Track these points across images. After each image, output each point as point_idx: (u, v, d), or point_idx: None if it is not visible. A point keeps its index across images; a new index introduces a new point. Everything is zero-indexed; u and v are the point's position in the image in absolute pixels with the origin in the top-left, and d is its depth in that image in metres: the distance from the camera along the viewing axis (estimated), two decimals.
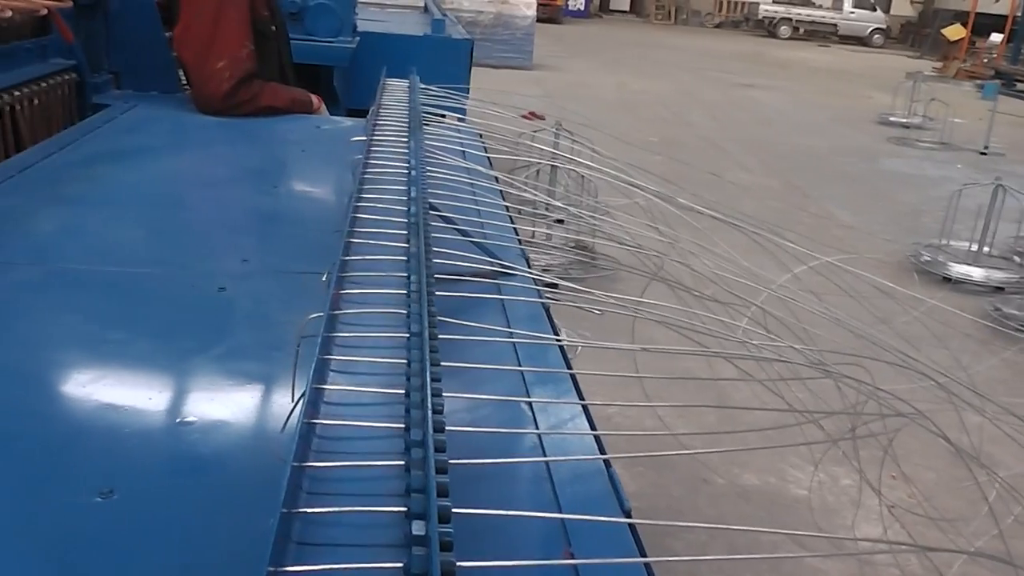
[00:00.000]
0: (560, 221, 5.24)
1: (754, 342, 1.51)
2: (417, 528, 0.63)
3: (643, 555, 0.98)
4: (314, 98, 3.00)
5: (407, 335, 0.97)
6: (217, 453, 1.05)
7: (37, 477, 0.99)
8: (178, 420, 1.10)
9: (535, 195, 2.32)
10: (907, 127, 12.28)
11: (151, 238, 1.85)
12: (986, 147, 11.09)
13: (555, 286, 1.63)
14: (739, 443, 4.01)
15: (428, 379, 0.84)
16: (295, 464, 0.71)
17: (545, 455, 1.05)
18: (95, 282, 1.55)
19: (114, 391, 1.18)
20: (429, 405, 0.79)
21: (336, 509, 0.74)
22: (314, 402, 0.83)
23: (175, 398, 1.17)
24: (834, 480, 3.77)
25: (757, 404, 1.42)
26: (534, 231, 4.39)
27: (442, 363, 0.91)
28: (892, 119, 12.86)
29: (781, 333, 1.68)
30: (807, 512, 3.54)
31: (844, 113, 13.98)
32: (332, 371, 0.94)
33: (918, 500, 3.38)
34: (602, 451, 1.11)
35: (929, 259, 6.31)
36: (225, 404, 1.17)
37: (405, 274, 1.15)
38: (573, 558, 0.91)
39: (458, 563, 0.60)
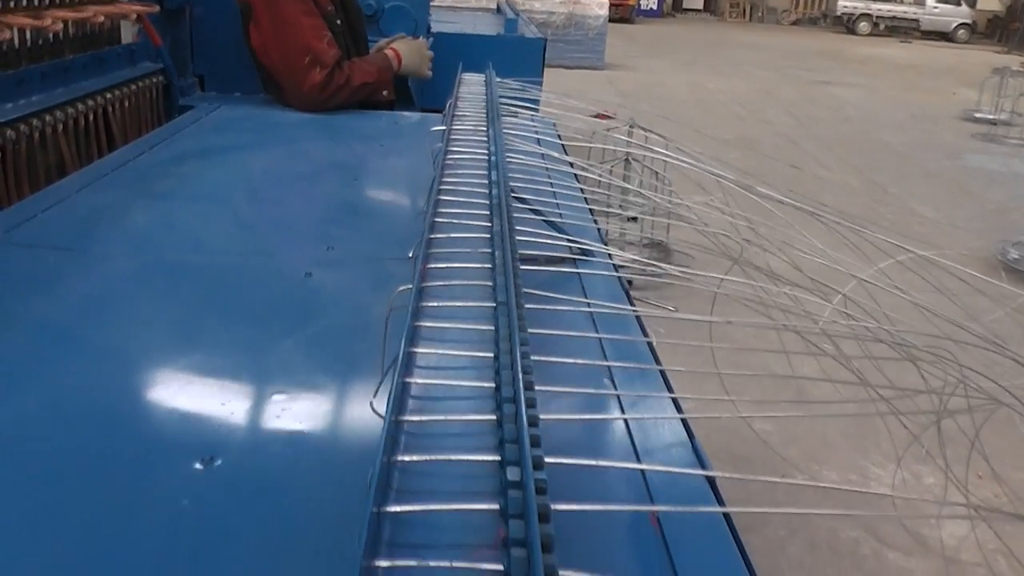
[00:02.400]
0: (633, 219, 5.23)
1: (834, 331, 1.49)
2: (512, 474, 0.65)
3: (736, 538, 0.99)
4: (389, 51, 3.06)
5: (494, 304, 0.99)
6: (312, 422, 1.09)
7: (143, 449, 1.04)
8: (273, 393, 1.14)
9: (608, 191, 2.32)
10: (994, 123, 11.90)
11: (238, 230, 1.92)
12: None
13: (630, 283, 1.64)
14: (818, 438, 3.96)
15: (517, 342, 0.86)
16: (392, 419, 0.74)
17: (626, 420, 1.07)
18: (188, 271, 1.61)
19: (211, 369, 1.23)
20: (519, 366, 0.81)
21: (433, 458, 0.76)
22: (407, 364, 0.85)
23: (269, 373, 1.22)
24: (917, 478, 3.68)
25: (837, 398, 1.40)
26: (608, 229, 4.39)
27: (529, 330, 0.93)
28: (978, 115, 12.49)
29: (865, 324, 1.65)
30: (890, 510, 3.47)
31: (927, 110, 13.62)
32: (423, 338, 0.96)
33: (1008, 499, 3.28)
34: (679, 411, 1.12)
35: (1017, 256, 6.11)
36: (317, 376, 1.21)
37: (489, 250, 1.18)
38: (659, 523, 0.93)
39: (552, 506, 0.61)
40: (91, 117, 2.52)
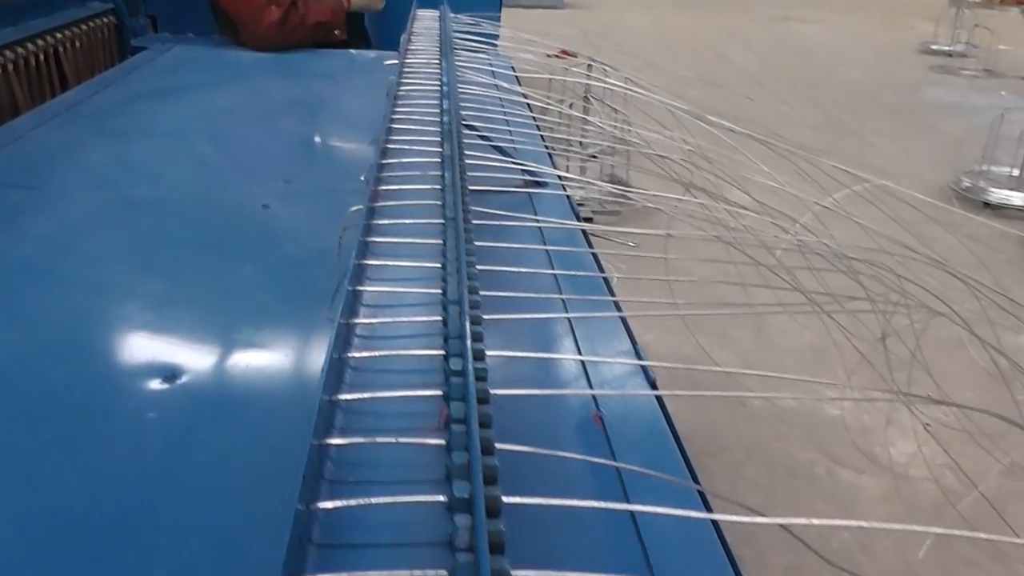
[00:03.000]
0: (593, 157, 5.26)
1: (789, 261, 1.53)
2: (455, 364, 0.69)
3: (671, 426, 1.05)
4: None
5: (443, 220, 1.04)
6: (271, 340, 1.13)
7: (110, 369, 1.09)
8: (233, 315, 1.19)
9: (568, 128, 2.35)
10: (950, 55, 11.98)
11: (196, 166, 1.93)
12: None
13: (590, 220, 1.67)
14: (776, 367, 4.06)
15: (463, 252, 0.90)
16: (343, 321, 0.78)
17: (580, 351, 1.12)
18: (147, 205, 1.63)
19: (172, 295, 1.27)
20: (464, 273, 0.85)
21: (381, 353, 0.81)
22: (358, 275, 0.90)
23: (229, 297, 1.26)
24: (870, 401, 3.81)
25: (794, 332, 1.45)
26: (568, 167, 4.41)
27: (476, 243, 0.97)
28: (934, 48, 12.56)
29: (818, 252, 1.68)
30: (842, 431, 3.59)
31: (885, 44, 13.66)
32: (373, 253, 1.00)
33: (956, 416, 3.40)
34: (632, 340, 1.18)
35: (969, 185, 6.23)
36: (275, 298, 1.26)
37: (439, 172, 1.21)
38: (602, 422, 0.98)
39: (492, 391, 0.66)
40: (42, 58, 2.50)
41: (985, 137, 6.38)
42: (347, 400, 0.74)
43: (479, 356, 0.70)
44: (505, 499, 0.55)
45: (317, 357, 1.04)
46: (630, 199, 1.69)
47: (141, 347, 1.14)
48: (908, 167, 7.02)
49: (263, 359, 1.11)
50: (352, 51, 3.09)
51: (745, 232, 1.80)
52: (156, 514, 0.80)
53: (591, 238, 1.61)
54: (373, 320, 0.90)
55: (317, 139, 2.17)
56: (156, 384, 1.02)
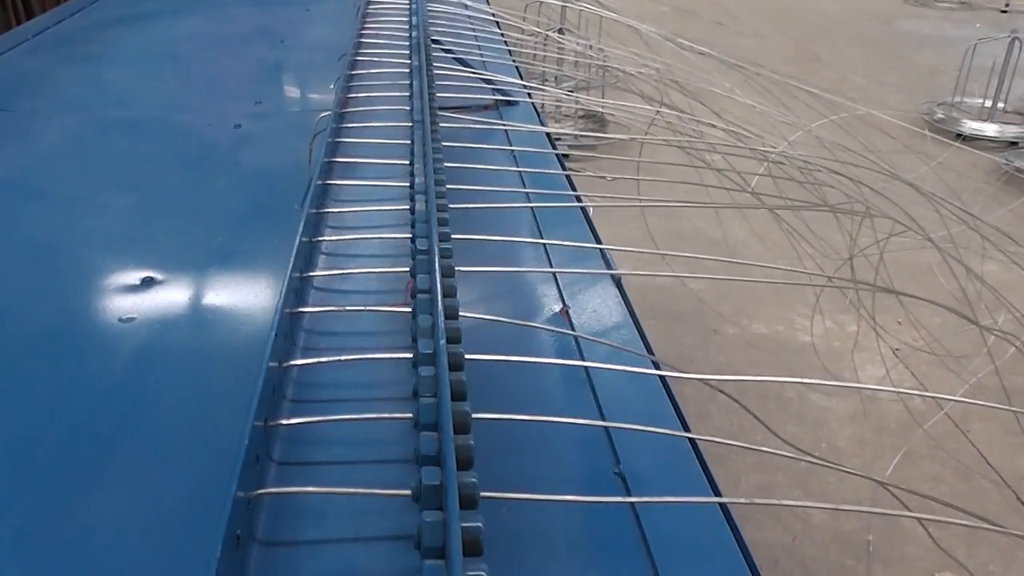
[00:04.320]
0: (569, 92, 5.23)
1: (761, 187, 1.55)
2: (421, 244, 0.72)
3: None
4: None
5: (410, 124, 1.06)
6: (244, 243, 1.16)
7: (90, 270, 1.11)
8: (207, 222, 1.21)
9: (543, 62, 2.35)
10: None
11: (168, 88, 1.94)
12: (1007, 5, 10.79)
13: (566, 156, 1.69)
14: (748, 294, 4.13)
15: (431, 150, 0.93)
16: (312, 210, 0.80)
17: (551, 262, 1.14)
18: (120, 126, 1.64)
19: (149, 206, 1.29)
20: (431, 166, 0.88)
21: (349, 237, 0.83)
22: (326, 171, 0.92)
23: (203, 207, 1.28)
24: (841, 327, 3.88)
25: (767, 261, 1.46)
26: (543, 103, 4.40)
27: (444, 145, 1.00)
28: None
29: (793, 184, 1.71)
30: (813, 356, 3.66)
31: None
32: (342, 153, 1.02)
33: (925, 341, 3.48)
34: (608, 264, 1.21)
35: (942, 116, 6.27)
36: (247, 207, 1.27)
37: (407, 82, 1.23)
38: (568, 316, 1.02)
39: (456, 267, 0.69)
40: None
41: (958, 68, 6.40)
42: (316, 276, 0.76)
43: (444, 238, 0.73)
44: (468, 356, 0.59)
45: (284, 256, 1.07)
46: (605, 133, 1.71)
47: (119, 254, 1.17)
48: (881, 98, 7.04)
49: (238, 261, 1.13)
50: None
51: (717, 151, 1.82)
52: (132, 413, 0.82)
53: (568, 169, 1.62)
54: (342, 210, 0.92)
55: (287, 63, 2.16)
56: (133, 288, 1.05)
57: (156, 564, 0.61)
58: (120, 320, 0.99)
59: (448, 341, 0.58)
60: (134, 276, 1.07)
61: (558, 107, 5.53)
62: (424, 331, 0.59)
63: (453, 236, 0.76)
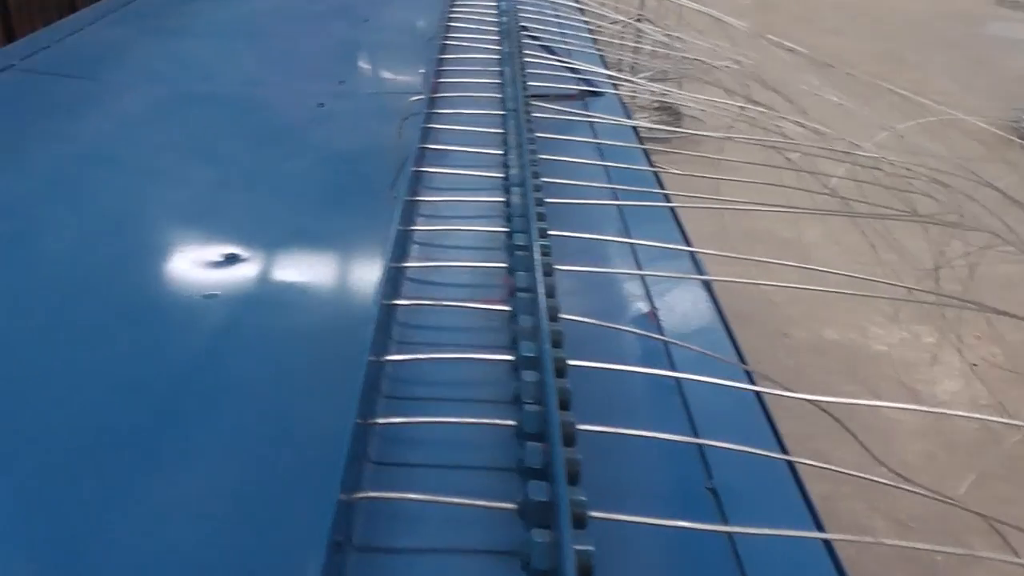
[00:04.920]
0: (630, 81, 5.14)
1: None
2: (520, 240, 0.69)
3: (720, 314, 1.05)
4: None
5: (503, 112, 1.03)
6: (327, 223, 1.14)
7: (171, 245, 1.10)
8: (290, 201, 1.19)
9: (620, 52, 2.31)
10: None
11: (251, 64, 1.93)
12: None
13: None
14: (820, 297, 4.03)
15: (525, 140, 0.90)
16: (407, 198, 0.78)
17: (637, 261, 1.11)
18: (203, 100, 1.64)
19: (231, 182, 1.28)
20: (527, 155, 0.85)
21: (444, 228, 0.81)
22: (420, 158, 0.89)
23: (286, 185, 1.26)
24: (916, 337, 3.77)
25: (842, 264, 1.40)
26: (619, 94, 4.33)
27: (538, 136, 0.96)
28: None
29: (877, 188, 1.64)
30: (887, 367, 3.56)
31: None
32: (433, 139, 1.00)
33: (1006, 357, 3.36)
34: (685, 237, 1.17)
35: None
36: (332, 187, 1.25)
37: (499, 68, 1.20)
38: (657, 318, 0.98)
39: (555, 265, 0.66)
40: None
41: None
42: (411, 267, 0.74)
43: (543, 234, 0.70)
44: (569, 361, 0.56)
45: (371, 241, 1.05)
46: (680, 127, 1.66)
47: (201, 229, 1.16)
48: (967, 103, 6.82)
49: (321, 243, 1.11)
50: None
51: (800, 151, 1.76)
52: (212, 393, 0.81)
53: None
54: (435, 199, 0.90)
55: (370, 43, 2.15)
56: (216, 264, 1.04)
57: (237, 553, 0.59)
58: (203, 296, 0.98)
59: (552, 344, 0.55)
60: (216, 252, 1.06)
61: (633, 98, 5.46)
62: (526, 332, 0.56)
63: (551, 232, 0.73)
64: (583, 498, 0.46)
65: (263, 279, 1.02)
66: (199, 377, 0.83)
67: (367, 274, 0.93)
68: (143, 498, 0.66)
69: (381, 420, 0.60)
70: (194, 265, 1.05)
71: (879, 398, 3.50)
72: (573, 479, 0.47)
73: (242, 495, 0.65)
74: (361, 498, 0.54)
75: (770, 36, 2.42)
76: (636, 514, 0.53)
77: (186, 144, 1.44)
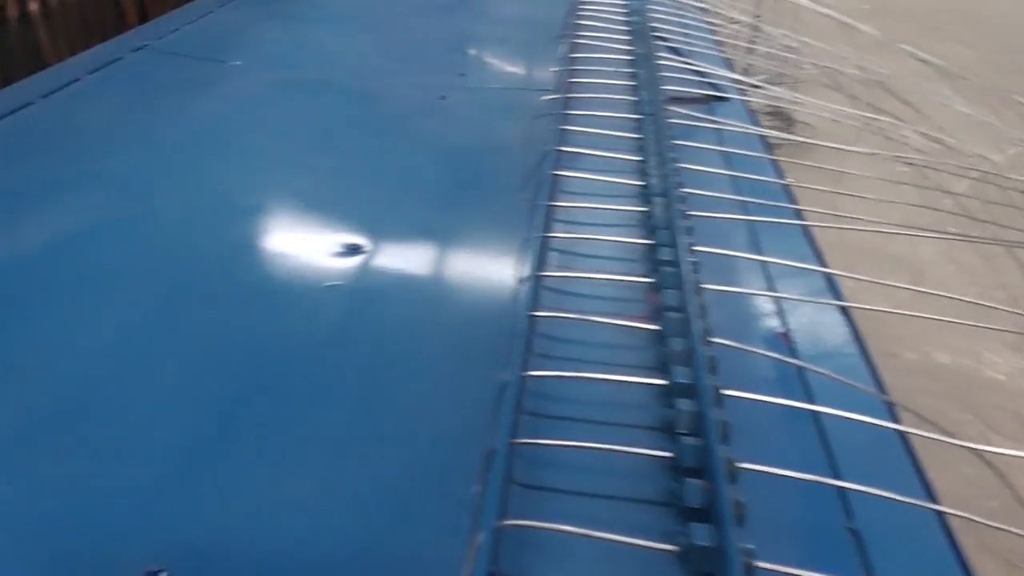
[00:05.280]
0: (756, 87, 5.02)
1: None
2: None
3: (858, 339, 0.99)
4: None
5: (640, 116, 0.99)
6: (453, 216, 1.12)
7: (292, 234, 1.10)
8: (411, 193, 1.18)
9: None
10: None
11: (373, 53, 1.93)
12: None
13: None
14: (933, 322, 3.87)
15: (666, 145, 0.86)
16: (546, 203, 0.75)
17: (768, 278, 1.06)
18: (324, 86, 1.64)
19: (351, 171, 1.28)
20: (669, 161, 0.81)
21: (585, 236, 0.78)
22: (556, 161, 0.87)
23: (408, 178, 1.25)
24: None
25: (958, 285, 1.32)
26: (745, 99, 4.22)
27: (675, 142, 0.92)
28: None
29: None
30: (1002, 396, 3.39)
31: None
32: (568, 142, 0.97)
33: None
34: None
35: None
36: (454, 182, 1.24)
37: (631, 69, 1.16)
38: (789, 340, 0.94)
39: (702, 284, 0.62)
40: None
41: None
42: (552, 277, 0.71)
43: (690, 249, 0.67)
44: (723, 391, 0.52)
45: (496, 241, 1.02)
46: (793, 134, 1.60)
47: (323, 217, 1.15)
48: None
49: (444, 238, 1.09)
50: None
51: (926, 162, 1.67)
52: (330, 385, 0.80)
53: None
54: (574, 205, 0.87)
55: (491, 36, 2.13)
56: (338, 254, 1.03)
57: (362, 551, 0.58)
58: (325, 286, 0.97)
59: (709, 370, 0.51)
60: (339, 242, 1.06)
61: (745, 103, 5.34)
62: (679, 357, 0.53)
63: (693, 248, 0.69)
64: (750, 547, 0.42)
65: (384, 272, 1.01)
66: (318, 369, 0.82)
67: (492, 276, 0.91)
68: (259, 492, 0.65)
69: (526, 440, 0.57)
70: (315, 254, 1.05)
71: (992, 429, 3.34)
72: (738, 522, 0.43)
73: (348, 482, 0.63)
74: (506, 525, 0.51)
75: (895, 42, 2.32)
76: (778, 560, 0.49)
77: (307, 130, 1.44)
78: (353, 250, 1.04)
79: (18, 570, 0.56)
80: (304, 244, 1.09)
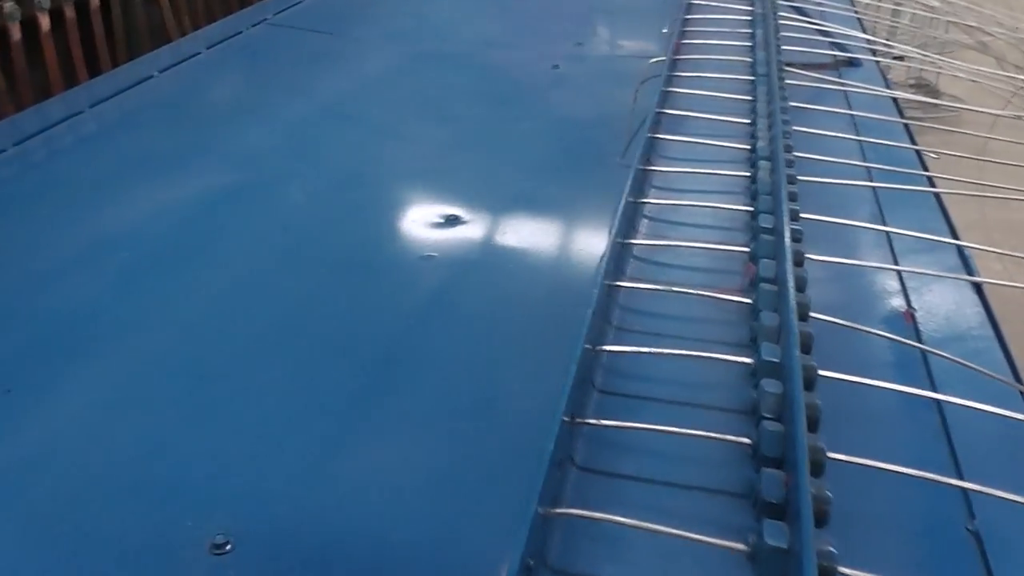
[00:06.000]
0: (899, 58, 4.74)
1: None
2: (765, 221, 0.60)
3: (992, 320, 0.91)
4: None
5: (752, 77, 0.93)
6: (554, 188, 1.08)
7: (394, 205, 1.09)
8: (516, 164, 1.15)
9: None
10: None
11: (488, 24, 1.91)
12: None
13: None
14: None
15: (778, 107, 0.80)
16: (639, 167, 0.71)
17: (893, 252, 0.98)
18: (439, 58, 1.64)
19: (459, 142, 1.26)
20: (779, 127, 0.75)
21: (679, 203, 0.73)
22: (655, 123, 0.81)
23: (516, 145, 1.23)
24: None
25: None
26: (878, 62, 3.98)
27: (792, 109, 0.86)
28: None
29: None
30: None
31: None
32: (672, 105, 0.92)
33: None
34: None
35: None
36: (559, 151, 1.20)
37: (749, 30, 1.09)
38: (914, 320, 0.86)
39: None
40: None
41: None
42: (639, 244, 0.67)
43: (794, 216, 0.61)
44: (820, 372, 0.47)
45: (600, 212, 0.98)
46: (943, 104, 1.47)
47: (425, 188, 1.14)
48: None
49: (545, 209, 1.06)
50: None
51: None
52: (421, 360, 0.77)
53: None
54: (669, 169, 0.81)
55: (610, 5, 2.08)
56: (437, 225, 1.01)
57: (430, 530, 0.55)
58: (420, 257, 0.95)
59: (801, 349, 0.46)
60: (438, 212, 1.04)
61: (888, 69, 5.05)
62: (769, 332, 0.48)
63: (801, 215, 0.63)
64: (831, 550, 0.37)
65: (481, 243, 0.98)
66: (409, 341, 0.80)
67: (591, 248, 0.87)
68: (344, 465, 0.64)
69: (592, 420, 0.53)
70: (414, 225, 1.03)
71: None
72: (819, 522, 0.38)
73: (424, 459, 0.61)
74: (561, 514, 0.48)
75: None
76: (888, 566, 0.43)
77: (420, 102, 1.44)
78: (452, 221, 1.02)
79: (79, 540, 0.57)
80: (404, 216, 1.08)
